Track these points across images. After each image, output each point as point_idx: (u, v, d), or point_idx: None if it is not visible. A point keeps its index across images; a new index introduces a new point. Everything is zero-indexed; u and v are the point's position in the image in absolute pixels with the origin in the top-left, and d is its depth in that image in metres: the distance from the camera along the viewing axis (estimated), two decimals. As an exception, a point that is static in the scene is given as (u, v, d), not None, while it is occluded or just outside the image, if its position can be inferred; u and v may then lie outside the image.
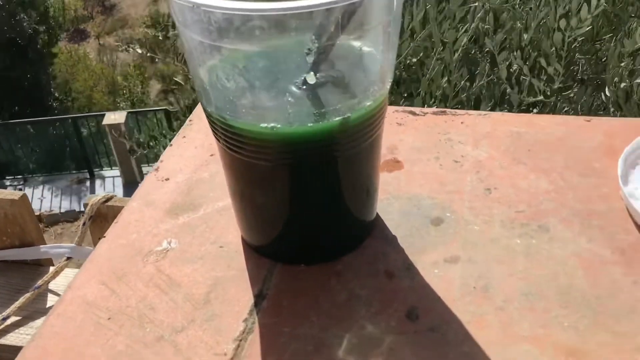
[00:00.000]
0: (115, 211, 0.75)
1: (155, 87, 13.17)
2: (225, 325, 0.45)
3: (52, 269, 0.78)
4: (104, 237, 0.54)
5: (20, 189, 7.45)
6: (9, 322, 0.73)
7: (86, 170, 7.88)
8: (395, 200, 0.54)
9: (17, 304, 0.73)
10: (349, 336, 0.43)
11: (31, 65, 9.07)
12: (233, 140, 0.44)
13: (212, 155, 0.62)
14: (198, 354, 0.43)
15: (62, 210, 7.34)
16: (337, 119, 0.41)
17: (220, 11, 0.36)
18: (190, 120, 0.67)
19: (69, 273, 0.78)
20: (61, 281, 0.77)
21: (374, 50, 0.42)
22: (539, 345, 0.42)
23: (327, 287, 0.47)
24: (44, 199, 7.49)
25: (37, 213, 7.35)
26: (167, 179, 0.59)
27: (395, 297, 0.46)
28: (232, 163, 0.46)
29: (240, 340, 0.44)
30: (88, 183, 7.77)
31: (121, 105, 10.55)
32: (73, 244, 0.77)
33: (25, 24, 9.03)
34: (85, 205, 0.74)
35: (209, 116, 0.45)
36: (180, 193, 0.57)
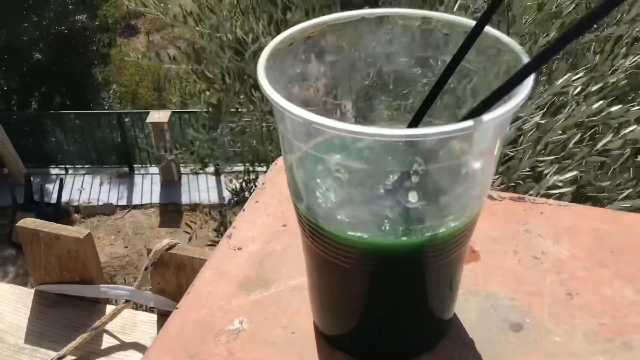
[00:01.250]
0: (177, 259, 0.75)
1: (199, 86, 13.33)
2: None
3: (109, 309, 0.79)
4: (177, 308, 0.54)
5: (62, 178, 7.60)
6: (64, 361, 0.73)
7: (126, 166, 8.00)
8: (472, 296, 0.53)
9: (73, 343, 0.74)
10: None
11: (82, 59, 9.26)
12: (318, 239, 0.43)
13: (284, 225, 0.61)
14: None
15: (100, 203, 7.46)
16: (427, 235, 0.40)
17: (332, 132, 0.35)
18: (263, 184, 0.67)
19: (126, 315, 0.78)
20: (118, 322, 0.78)
21: (476, 170, 0.41)
22: None
23: (402, 391, 0.46)
24: (83, 190, 7.63)
25: (75, 204, 7.50)
26: (239, 249, 0.59)
27: (472, 410, 0.45)
28: (315, 257, 0.46)
29: None
30: (127, 178, 7.89)
31: (168, 100, 10.68)
32: (133, 287, 0.77)
33: (78, 19, 9.23)
34: (149, 250, 0.75)
35: (297, 210, 0.44)
36: (252, 265, 0.57)
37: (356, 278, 0.44)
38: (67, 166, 7.98)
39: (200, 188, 7.49)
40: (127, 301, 0.77)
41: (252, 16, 2.25)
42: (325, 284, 0.47)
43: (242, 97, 2.41)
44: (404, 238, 0.40)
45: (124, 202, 7.53)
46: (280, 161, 0.70)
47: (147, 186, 7.70)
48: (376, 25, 0.46)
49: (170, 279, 0.76)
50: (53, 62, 9.05)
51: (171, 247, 0.75)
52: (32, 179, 7.34)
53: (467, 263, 0.56)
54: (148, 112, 7.71)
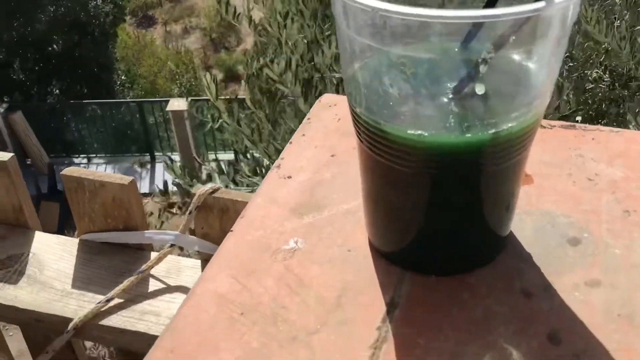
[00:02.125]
0: (221, 203, 0.75)
1: (218, 76, 13.38)
2: (358, 332, 0.45)
3: (154, 254, 0.79)
4: (232, 231, 0.54)
5: (84, 168, 7.69)
6: (112, 303, 0.74)
7: (148, 154, 8.06)
8: (527, 215, 0.53)
9: (121, 286, 0.75)
10: (488, 355, 0.42)
11: (97, 45, 9.31)
12: (377, 143, 0.43)
13: (332, 155, 0.61)
14: (334, 358, 0.43)
15: (123, 191, 7.54)
16: (490, 132, 0.40)
17: (401, 17, 0.35)
18: (308, 119, 0.67)
19: (170, 260, 0.79)
20: (163, 267, 0.78)
21: (539, 65, 0.40)
22: (695, 383, 0.40)
23: (461, 301, 0.46)
24: (105, 178, 7.71)
25: (98, 192, 7.58)
26: (289, 177, 0.59)
27: (534, 318, 0.45)
28: (373, 165, 0.46)
29: (375, 349, 0.43)
30: (149, 166, 7.95)
31: (175, 92, 10.74)
32: (177, 232, 0.78)
33: (92, 4, 9.27)
34: (192, 195, 0.75)
35: (355, 116, 0.44)
36: (303, 192, 0.57)
37: (415, 184, 0.44)
38: (90, 155, 8.06)
39: (221, 175, 7.53)
40: (171, 246, 0.78)
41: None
42: (383, 195, 0.47)
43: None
44: (468, 135, 0.40)
45: (145, 190, 7.60)
46: (324, 98, 0.70)
47: (169, 174, 7.77)
48: None
49: (214, 223, 0.76)
50: (71, 51, 9.11)
51: (214, 190, 0.75)
52: (55, 168, 7.44)
53: (521, 185, 0.56)
54: (168, 101, 7.76)
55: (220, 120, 2.88)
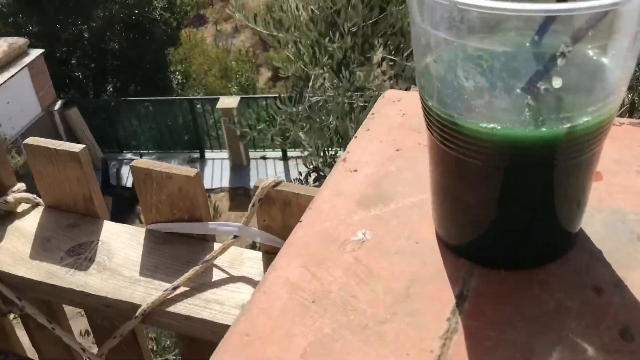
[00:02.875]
0: (283, 196, 0.77)
1: (265, 74, 13.53)
2: (428, 322, 0.45)
3: (218, 245, 0.82)
4: (300, 222, 0.55)
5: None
6: (178, 291, 0.77)
7: (197, 151, 8.22)
8: (597, 212, 0.52)
9: (187, 275, 0.77)
10: (559, 348, 0.42)
11: (153, 47, 9.54)
12: (449, 136, 0.43)
13: (397, 150, 0.62)
14: (405, 347, 0.44)
15: (173, 187, 7.70)
16: (565, 126, 0.40)
17: (479, 10, 0.36)
18: (372, 114, 0.68)
19: (233, 251, 0.81)
20: (226, 258, 0.81)
21: (615, 60, 0.40)
22: None
23: (531, 295, 0.46)
24: (156, 174, 7.89)
25: (149, 187, 7.76)
26: (355, 170, 0.60)
27: (606, 313, 0.44)
28: (444, 158, 0.46)
29: (446, 339, 0.44)
30: (198, 163, 8.10)
31: (232, 90, 10.88)
32: (240, 224, 0.80)
33: (151, 7, 9.49)
34: (256, 187, 0.77)
35: (427, 109, 0.45)
36: (368, 185, 0.58)
37: (487, 177, 0.45)
38: (141, 151, 8.26)
39: (269, 173, 7.61)
40: (235, 237, 0.80)
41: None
42: (453, 188, 0.48)
43: (326, 70, 2.43)
44: (543, 129, 0.40)
45: (195, 185, 7.75)
46: (388, 93, 0.70)
47: (218, 170, 7.89)
48: None
49: (276, 215, 0.78)
50: (127, 49, 9.35)
51: (277, 184, 0.77)
52: (108, 163, 7.66)
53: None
54: (218, 99, 7.88)
55: (261, 125, 2.91)
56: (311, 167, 2.72)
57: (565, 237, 0.49)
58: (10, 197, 0.90)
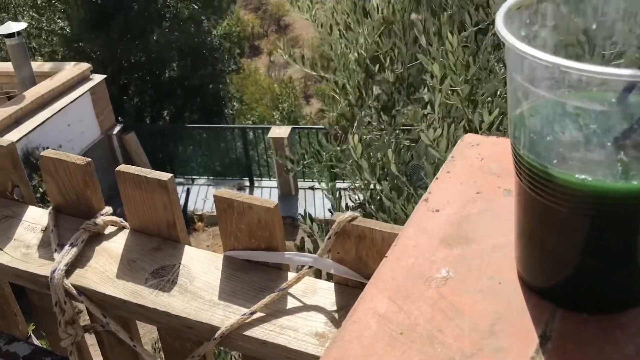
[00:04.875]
0: (359, 230, 0.81)
1: (315, 105, 13.74)
2: (513, 359, 0.48)
3: (293, 274, 0.86)
4: (386, 257, 0.59)
5: (189, 188, 8.07)
6: (255, 316, 0.81)
7: (247, 178, 8.35)
8: (676, 262, 0.54)
9: (264, 301, 0.81)
10: (643, 391, 0.44)
11: (213, 75, 9.81)
12: (539, 184, 0.46)
13: (478, 193, 0.65)
14: (491, 382, 0.46)
15: (222, 213, 7.83)
16: (650, 181, 0.42)
17: (582, 73, 0.39)
18: (452, 157, 0.71)
19: (307, 280, 0.85)
20: (300, 287, 0.84)
21: None
22: None
23: (613, 339, 0.48)
24: (207, 200, 8.04)
25: (199, 213, 7.90)
26: (437, 210, 0.64)
27: (688, 360, 0.46)
28: (530, 203, 0.49)
29: (530, 376, 0.47)
30: (247, 190, 8.23)
31: (275, 117, 11.06)
32: (316, 255, 0.84)
33: (210, 38, 9.78)
34: (333, 222, 0.81)
35: (518, 157, 0.48)
36: (451, 225, 0.61)
37: (573, 224, 0.47)
38: (193, 177, 8.45)
39: (317, 203, 7.67)
40: (309, 267, 0.84)
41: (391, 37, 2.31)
42: (539, 232, 0.50)
43: (372, 110, 2.49)
44: (634, 182, 0.43)
45: (243, 212, 7.86)
46: (467, 137, 0.74)
47: (266, 198, 7.99)
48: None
49: (350, 249, 0.82)
50: (184, 77, 9.63)
51: (353, 218, 0.81)
52: (161, 187, 7.85)
53: (668, 232, 0.57)
54: (269, 128, 8.02)
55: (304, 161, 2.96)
56: (357, 203, 2.75)
57: (646, 284, 0.51)
58: (100, 220, 0.96)
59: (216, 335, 0.81)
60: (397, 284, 0.56)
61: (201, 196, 8.11)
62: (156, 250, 0.93)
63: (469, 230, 0.61)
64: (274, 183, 8.19)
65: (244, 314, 0.81)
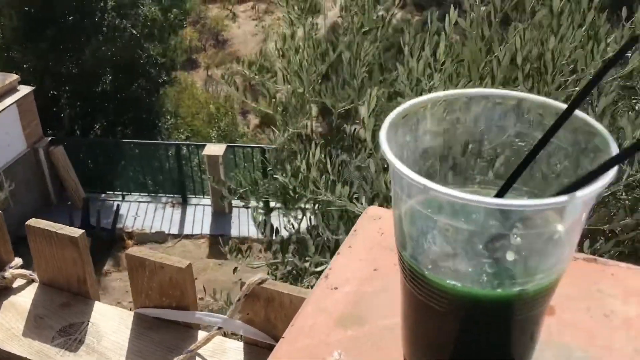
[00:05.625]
0: (268, 293, 0.83)
1: (253, 121, 13.70)
2: None
3: (203, 334, 0.87)
4: (283, 337, 0.61)
5: (118, 205, 7.88)
6: (162, 379, 0.82)
7: (180, 195, 8.24)
8: (547, 347, 0.59)
9: (171, 364, 0.82)
10: None
11: (145, 90, 9.65)
12: (417, 282, 0.50)
13: (375, 270, 0.69)
14: None
15: (153, 231, 7.69)
16: (518, 289, 0.47)
17: (450, 199, 0.43)
18: (354, 230, 0.74)
19: (216, 341, 0.86)
20: (209, 347, 0.86)
21: (565, 236, 0.47)
22: None
23: None
24: (137, 217, 7.88)
25: (129, 230, 7.73)
26: (335, 288, 0.66)
27: None
28: (412, 298, 0.53)
29: None
30: (180, 208, 8.12)
31: (212, 134, 10.98)
32: (225, 316, 0.85)
33: (146, 52, 9.63)
34: (242, 283, 0.83)
35: (401, 257, 0.52)
36: (347, 304, 0.64)
37: (448, 321, 0.51)
38: (124, 193, 8.27)
39: (250, 222, 7.64)
40: (219, 328, 0.85)
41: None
42: (419, 325, 0.54)
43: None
44: (499, 290, 0.47)
45: (175, 231, 7.75)
46: (370, 210, 0.77)
47: (199, 216, 7.90)
48: (476, 103, 0.54)
49: (260, 310, 0.84)
50: (117, 90, 9.44)
51: (263, 281, 0.83)
52: (89, 204, 7.64)
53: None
54: (204, 145, 7.95)
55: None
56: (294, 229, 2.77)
57: (517, 373, 0.55)
58: (8, 273, 0.94)
59: (122, 399, 0.81)
60: (291, 367, 0.58)
61: (132, 213, 7.94)
62: (65, 307, 0.92)
63: (364, 309, 0.64)
64: (207, 201, 8.11)
65: (151, 377, 0.81)
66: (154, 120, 10.16)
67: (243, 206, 7.91)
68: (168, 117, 11.04)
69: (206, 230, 7.80)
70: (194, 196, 8.34)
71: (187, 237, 7.71)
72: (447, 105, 0.54)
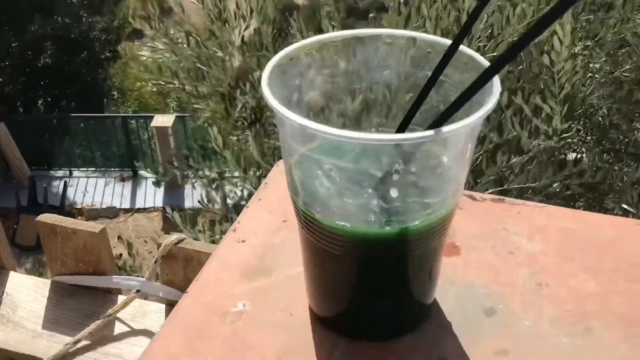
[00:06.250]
0: (185, 253, 0.81)
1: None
2: (292, 393, 0.50)
3: (121, 299, 0.85)
4: (187, 292, 0.60)
5: (66, 181, 7.68)
6: (79, 345, 0.79)
7: (130, 169, 8.07)
8: (451, 285, 0.59)
9: (88, 329, 0.80)
10: (403, 418, 0.48)
11: (89, 63, 9.36)
12: (312, 228, 0.49)
13: (284, 221, 0.67)
14: (268, 419, 0.49)
15: (103, 206, 7.53)
16: (405, 226, 0.46)
17: (324, 135, 0.41)
18: (265, 183, 0.73)
19: (136, 304, 0.84)
20: (129, 311, 0.84)
21: (450, 170, 0.47)
22: None
23: (386, 365, 0.52)
24: (87, 193, 7.70)
25: (78, 206, 7.56)
26: (243, 241, 0.65)
27: (447, 383, 0.51)
28: (309, 245, 0.52)
29: (306, 409, 0.49)
30: (131, 181, 7.97)
31: (171, 105, 10.77)
32: (143, 279, 0.83)
33: (88, 24, 9.31)
34: (159, 245, 0.81)
35: (295, 204, 0.50)
36: (254, 256, 0.63)
37: (345, 264, 0.50)
38: (72, 169, 8.05)
39: (203, 193, 7.57)
40: (137, 291, 0.83)
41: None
42: (319, 270, 0.53)
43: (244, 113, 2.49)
44: (387, 228, 0.46)
45: (127, 205, 7.61)
46: (281, 163, 0.76)
47: (151, 190, 7.76)
48: (367, 44, 0.52)
49: (178, 271, 0.82)
50: (59, 64, 9.13)
51: (180, 241, 0.81)
52: (36, 181, 7.43)
53: (449, 256, 0.62)
54: (152, 116, 7.78)
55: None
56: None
57: (419, 310, 0.55)
58: None
59: (38, 367, 0.78)
60: (194, 322, 0.57)
61: (81, 189, 7.76)
62: (-23, 279, 0.89)
63: (270, 261, 0.63)
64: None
65: (68, 344, 0.79)
66: (99, 93, 9.87)
67: (193, 177, 7.84)
68: (114, 91, 10.73)
69: (159, 203, 7.68)
70: (145, 170, 8.18)
71: (140, 210, 7.59)
72: (337, 47, 0.52)
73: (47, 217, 0.85)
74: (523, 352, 0.53)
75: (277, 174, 0.74)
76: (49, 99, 9.41)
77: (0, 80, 9.01)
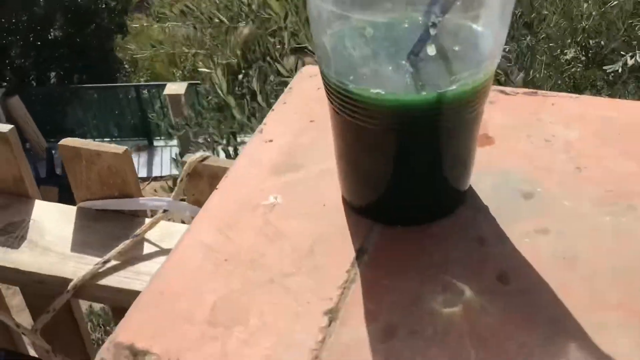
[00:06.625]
0: (210, 170, 0.80)
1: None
2: (329, 275, 0.49)
3: (148, 220, 0.84)
4: (217, 189, 0.59)
5: (83, 152, 7.73)
6: (109, 265, 0.79)
7: (145, 139, 8.10)
8: (487, 173, 0.57)
9: (117, 249, 0.80)
10: (443, 293, 0.47)
11: (99, 33, 9.33)
12: (346, 104, 0.47)
13: (311, 121, 0.66)
14: (305, 297, 0.48)
15: (121, 175, 7.60)
16: (442, 90, 0.44)
17: (359, -15, 0.39)
18: (290, 88, 0.71)
19: (163, 225, 0.84)
20: (156, 232, 0.83)
21: (486, 29, 0.45)
22: (625, 314, 0.45)
23: (423, 248, 0.51)
24: (104, 163, 7.76)
25: (97, 176, 7.62)
26: (270, 141, 0.64)
27: (486, 261, 0.49)
28: (342, 125, 0.50)
29: (344, 288, 0.48)
30: (147, 150, 8.00)
31: (177, 75, 10.73)
32: (170, 198, 0.83)
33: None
34: (184, 163, 0.80)
35: (326, 80, 0.49)
36: (282, 154, 0.62)
37: (380, 141, 0.49)
38: (88, 140, 8.11)
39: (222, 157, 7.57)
40: (164, 211, 0.83)
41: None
42: (352, 152, 0.52)
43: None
44: (423, 92, 0.44)
45: (143, 174, 7.65)
46: (305, 69, 0.74)
47: (167, 158, 7.79)
48: None
49: (204, 189, 0.81)
50: (69, 36, 9.11)
51: (204, 158, 0.80)
52: (53, 152, 7.48)
53: (482, 146, 0.60)
54: (165, 85, 7.76)
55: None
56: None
57: (454, 195, 0.54)
58: (-61, 179, 0.90)
59: (69, 287, 0.78)
60: (225, 214, 0.56)
61: (97, 160, 7.81)
62: (3, 208, 0.89)
63: (300, 157, 0.61)
64: (174, 141, 7.99)
65: (97, 264, 0.79)
66: (110, 65, 9.85)
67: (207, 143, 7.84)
68: (125, 63, 10.70)
69: (175, 171, 7.71)
70: (160, 138, 8.20)
71: (156, 179, 7.62)
72: None
73: (70, 141, 0.84)
74: (564, 231, 0.51)
75: (301, 79, 0.72)
76: (61, 72, 9.42)
77: (13, 54, 9.02)
